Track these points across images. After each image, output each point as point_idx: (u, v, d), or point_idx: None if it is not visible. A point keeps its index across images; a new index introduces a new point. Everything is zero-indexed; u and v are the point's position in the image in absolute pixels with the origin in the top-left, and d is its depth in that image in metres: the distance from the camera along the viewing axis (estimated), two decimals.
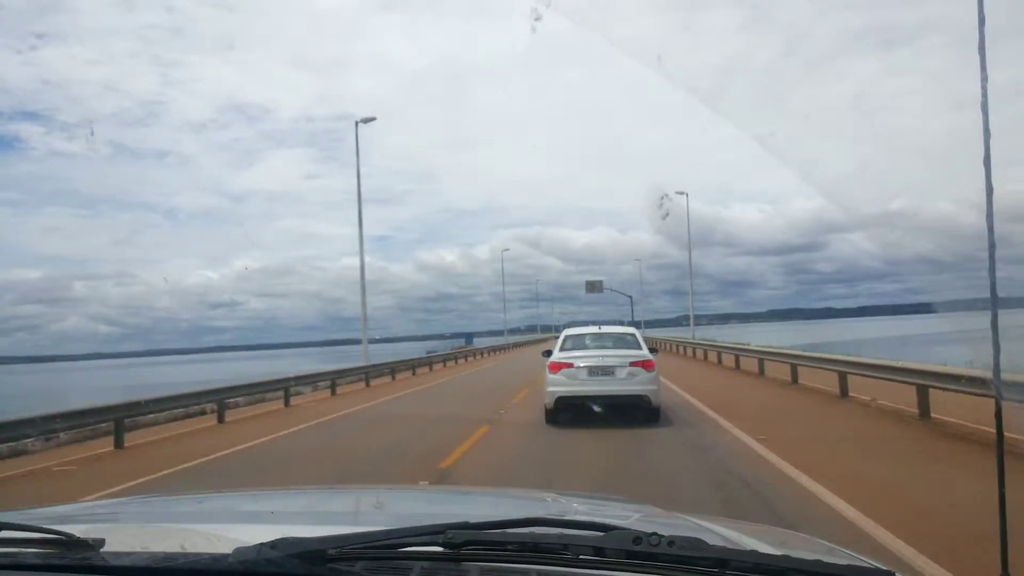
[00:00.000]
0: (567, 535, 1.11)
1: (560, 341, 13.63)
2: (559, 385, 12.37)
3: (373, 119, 30.02)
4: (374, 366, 27.75)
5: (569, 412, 12.19)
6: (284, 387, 19.38)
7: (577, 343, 13.42)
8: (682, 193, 45.91)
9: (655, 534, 1.06)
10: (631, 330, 14.46)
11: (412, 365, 32.28)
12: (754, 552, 1.10)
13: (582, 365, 12.40)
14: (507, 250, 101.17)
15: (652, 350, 13.29)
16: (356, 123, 29.59)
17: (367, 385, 25.20)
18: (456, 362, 41.01)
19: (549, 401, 12.38)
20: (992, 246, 2.40)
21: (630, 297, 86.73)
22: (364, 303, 30.97)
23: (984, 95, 2.66)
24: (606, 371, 12.31)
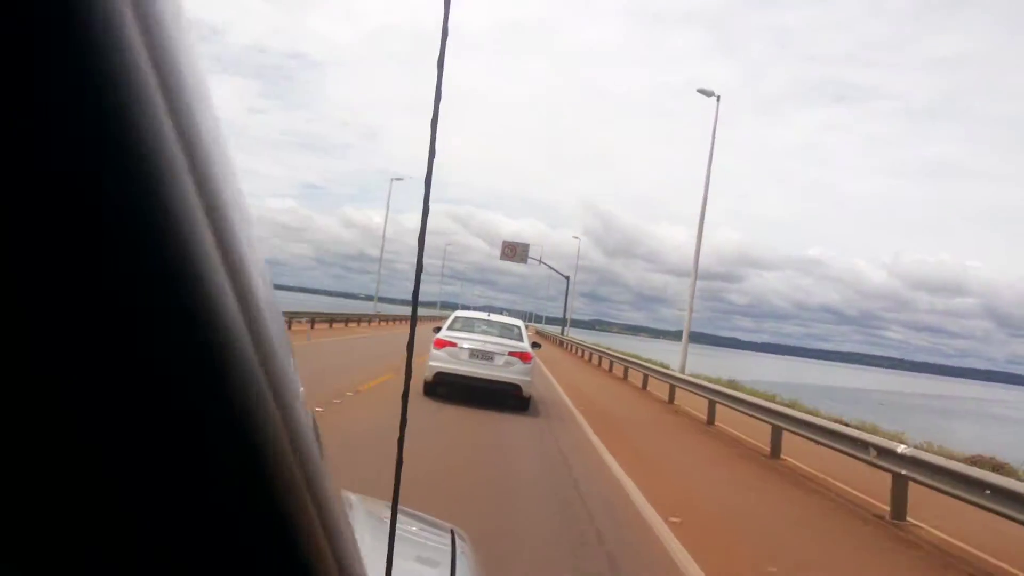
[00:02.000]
0: None
1: (450, 320, 13.98)
2: (440, 361, 12.81)
3: None
4: None
5: (445, 387, 12.78)
6: None
7: (466, 325, 13.81)
8: (711, 93, 28.37)
9: None
10: (518, 322, 14.89)
11: None
12: None
13: (465, 347, 12.93)
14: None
15: (535, 344, 14.01)
16: None
17: None
18: None
19: (429, 374, 12.83)
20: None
21: (567, 278, 70.07)
22: None
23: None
24: (486, 356, 12.84)
